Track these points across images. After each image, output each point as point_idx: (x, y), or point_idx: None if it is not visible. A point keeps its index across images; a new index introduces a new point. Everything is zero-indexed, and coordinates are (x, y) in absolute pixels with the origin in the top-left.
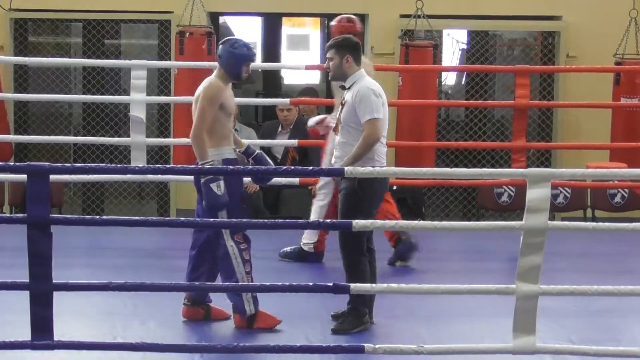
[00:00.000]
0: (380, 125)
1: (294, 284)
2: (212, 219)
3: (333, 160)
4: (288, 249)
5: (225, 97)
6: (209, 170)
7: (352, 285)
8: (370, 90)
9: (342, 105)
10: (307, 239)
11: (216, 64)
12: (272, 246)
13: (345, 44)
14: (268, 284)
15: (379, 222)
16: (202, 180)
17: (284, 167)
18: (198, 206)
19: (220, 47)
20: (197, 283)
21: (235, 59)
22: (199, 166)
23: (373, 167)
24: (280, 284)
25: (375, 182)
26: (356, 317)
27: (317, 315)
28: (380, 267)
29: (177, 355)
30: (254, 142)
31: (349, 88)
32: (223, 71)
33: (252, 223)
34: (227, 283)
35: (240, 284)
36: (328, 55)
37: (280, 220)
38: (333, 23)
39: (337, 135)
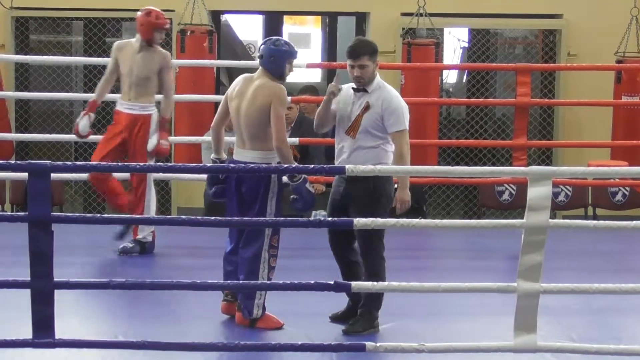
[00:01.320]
0: (408, 135)
1: (295, 282)
2: (211, 217)
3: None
4: (128, 244)
5: None
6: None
7: (353, 284)
8: (401, 101)
9: (365, 108)
10: (143, 232)
11: (217, 62)
12: None
13: (376, 49)
14: (269, 282)
15: (379, 220)
16: (296, 183)
17: (285, 166)
18: (236, 208)
19: (262, 47)
20: (198, 281)
21: (279, 57)
22: (289, 179)
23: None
24: (281, 282)
25: (388, 182)
26: (368, 320)
27: (318, 313)
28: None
29: (178, 353)
30: None
31: (369, 92)
32: (267, 71)
33: (252, 222)
34: (232, 282)
35: (240, 282)
36: (359, 62)
37: (281, 219)
38: (140, 13)
39: (352, 138)
